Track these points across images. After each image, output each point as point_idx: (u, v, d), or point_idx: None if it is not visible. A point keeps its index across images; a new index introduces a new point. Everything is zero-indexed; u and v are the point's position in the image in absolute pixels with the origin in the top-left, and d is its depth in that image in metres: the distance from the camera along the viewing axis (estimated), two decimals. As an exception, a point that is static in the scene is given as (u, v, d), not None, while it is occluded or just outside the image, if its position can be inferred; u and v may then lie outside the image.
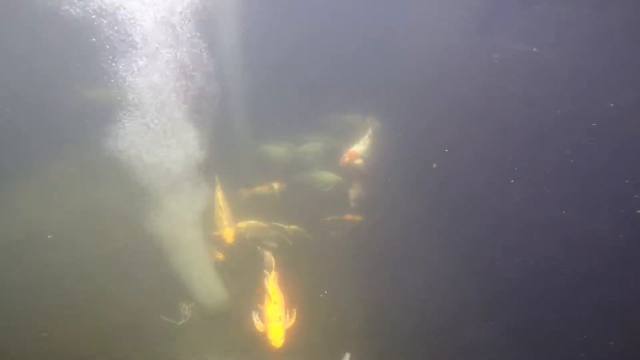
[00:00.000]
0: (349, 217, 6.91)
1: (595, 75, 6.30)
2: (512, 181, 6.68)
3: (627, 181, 5.77)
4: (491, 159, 7.03)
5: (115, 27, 4.91)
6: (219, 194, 6.79)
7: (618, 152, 6.11)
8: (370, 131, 7.31)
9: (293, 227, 6.79)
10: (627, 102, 6.06)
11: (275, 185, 7.49)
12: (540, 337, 5.66)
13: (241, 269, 6.27)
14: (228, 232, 6.47)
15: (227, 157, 7.84)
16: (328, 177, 7.55)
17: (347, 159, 7.00)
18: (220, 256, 6.35)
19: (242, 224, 6.70)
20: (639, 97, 5.97)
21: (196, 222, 6.33)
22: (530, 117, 6.82)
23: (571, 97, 6.43)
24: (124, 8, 4.83)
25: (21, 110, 7.52)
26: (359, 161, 6.90)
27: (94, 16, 4.78)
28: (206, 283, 6.04)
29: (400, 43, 8.26)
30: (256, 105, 8.31)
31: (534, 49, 5.98)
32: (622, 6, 6.13)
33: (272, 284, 5.64)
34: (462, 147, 7.32)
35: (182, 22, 5.24)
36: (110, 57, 4.95)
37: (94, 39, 4.88)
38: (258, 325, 5.35)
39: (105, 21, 4.85)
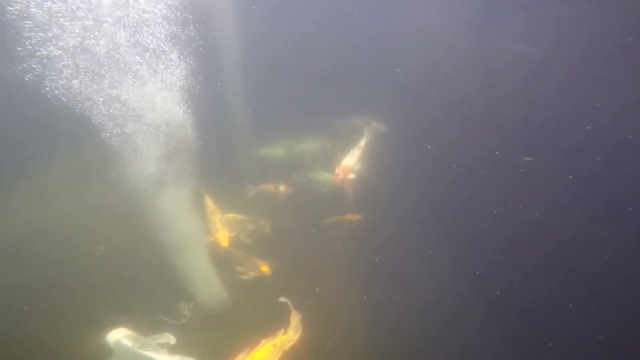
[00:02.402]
0: (348, 216, 6.90)
1: (595, 75, 6.29)
2: (512, 181, 6.68)
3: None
4: (491, 159, 7.03)
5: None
6: (209, 200, 6.74)
7: (618, 152, 6.11)
8: (361, 141, 7.24)
9: (269, 221, 6.76)
10: (627, 102, 6.06)
11: (282, 187, 7.49)
12: (538, 338, 5.66)
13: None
14: (222, 235, 6.40)
15: (225, 159, 7.87)
16: (326, 177, 7.54)
17: (340, 175, 6.90)
18: (264, 268, 6.09)
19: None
20: (639, 97, 5.97)
21: (194, 221, 6.36)
22: (530, 117, 6.82)
23: (571, 97, 6.43)
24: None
25: (20, 110, 7.52)
26: (352, 175, 6.83)
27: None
28: (206, 283, 6.04)
29: (402, 45, 8.24)
30: (257, 107, 8.31)
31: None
32: (622, 6, 6.12)
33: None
34: (463, 148, 7.32)
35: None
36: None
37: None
38: None
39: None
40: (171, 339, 5.26)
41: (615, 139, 6.04)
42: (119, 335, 5.15)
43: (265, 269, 6.06)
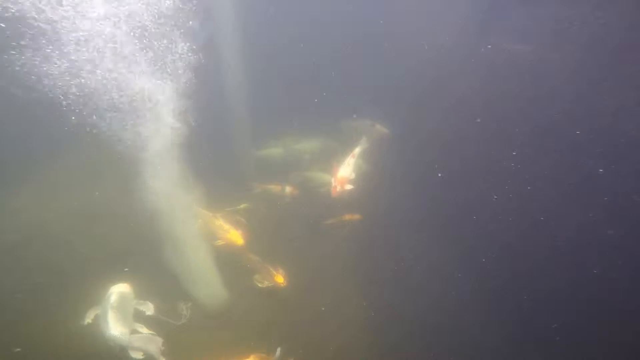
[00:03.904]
0: (347, 217, 6.89)
1: (595, 76, 6.28)
2: (511, 182, 6.68)
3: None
4: (491, 159, 7.03)
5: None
6: (202, 209, 6.60)
7: (618, 153, 6.10)
8: (356, 149, 7.16)
9: (243, 205, 6.73)
10: (627, 102, 6.06)
11: (288, 188, 7.45)
12: (537, 338, 5.67)
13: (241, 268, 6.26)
14: (235, 235, 6.24)
15: (225, 158, 7.87)
16: (323, 177, 7.52)
17: (338, 187, 6.70)
18: (279, 279, 5.97)
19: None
20: (639, 97, 5.96)
21: (194, 220, 6.35)
22: (531, 117, 6.81)
23: (571, 97, 6.42)
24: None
25: (20, 110, 7.51)
26: (349, 186, 6.72)
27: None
28: (206, 282, 6.03)
29: (401, 45, 8.22)
30: (256, 107, 8.29)
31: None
32: (622, 6, 6.11)
33: None
34: (462, 148, 7.32)
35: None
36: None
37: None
38: None
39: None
40: (150, 308, 5.59)
41: (615, 139, 6.04)
42: (117, 289, 5.50)
43: (280, 279, 5.96)
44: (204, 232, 6.30)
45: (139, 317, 5.51)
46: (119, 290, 5.51)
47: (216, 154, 7.65)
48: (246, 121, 8.36)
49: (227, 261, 6.21)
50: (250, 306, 5.96)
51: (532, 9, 7.05)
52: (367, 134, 7.57)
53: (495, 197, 6.53)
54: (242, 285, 6.09)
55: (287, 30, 8.64)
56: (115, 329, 5.13)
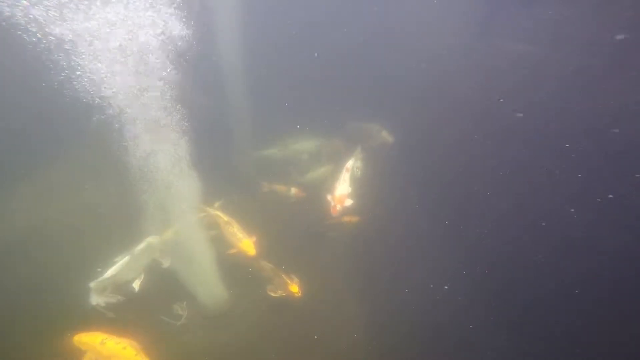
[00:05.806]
0: (346, 218, 6.87)
1: (595, 75, 6.29)
2: (511, 182, 6.68)
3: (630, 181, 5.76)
4: (491, 160, 7.03)
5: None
6: (220, 212, 6.50)
7: (618, 152, 6.11)
8: (348, 162, 7.14)
9: (217, 204, 6.74)
10: (626, 102, 6.06)
11: (293, 189, 7.45)
12: (538, 336, 5.67)
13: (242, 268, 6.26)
14: (247, 244, 6.07)
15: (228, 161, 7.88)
16: (320, 174, 7.52)
17: (337, 207, 6.60)
18: (294, 288, 5.80)
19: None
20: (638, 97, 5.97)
21: (196, 223, 6.34)
22: (530, 117, 6.82)
23: (570, 97, 6.43)
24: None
25: (21, 110, 7.52)
26: (349, 202, 6.68)
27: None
28: (206, 283, 6.03)
29: (401, 45, 8.24)
30: (256, 108, 8.30)
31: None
32: (622, 6, 6.12)
33: None
34: (462, 148, 7.32)
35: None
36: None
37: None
38: None
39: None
40: (167, 262, 5.76)
41: (614, 139, 6.05)
42: (150, 239, 5.71)
43: (295, 289, 5.78)
44: (217, 237, 6.25)
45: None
46: (150, 239, 5.69)
47: (216, 154, 7.65)
48: (246, 121, 8.37)
49: (236, 266, 6.17)
50: (250, 306, 5.96)
51: (532, 9, 7.06)
52: (373, 138, 7.57)
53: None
54: (243, 286, 6.09)
55: (287, 30, 8.65)
56: (111, 272, 5.34)
